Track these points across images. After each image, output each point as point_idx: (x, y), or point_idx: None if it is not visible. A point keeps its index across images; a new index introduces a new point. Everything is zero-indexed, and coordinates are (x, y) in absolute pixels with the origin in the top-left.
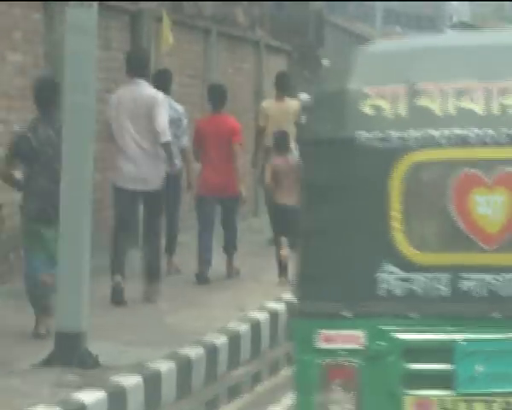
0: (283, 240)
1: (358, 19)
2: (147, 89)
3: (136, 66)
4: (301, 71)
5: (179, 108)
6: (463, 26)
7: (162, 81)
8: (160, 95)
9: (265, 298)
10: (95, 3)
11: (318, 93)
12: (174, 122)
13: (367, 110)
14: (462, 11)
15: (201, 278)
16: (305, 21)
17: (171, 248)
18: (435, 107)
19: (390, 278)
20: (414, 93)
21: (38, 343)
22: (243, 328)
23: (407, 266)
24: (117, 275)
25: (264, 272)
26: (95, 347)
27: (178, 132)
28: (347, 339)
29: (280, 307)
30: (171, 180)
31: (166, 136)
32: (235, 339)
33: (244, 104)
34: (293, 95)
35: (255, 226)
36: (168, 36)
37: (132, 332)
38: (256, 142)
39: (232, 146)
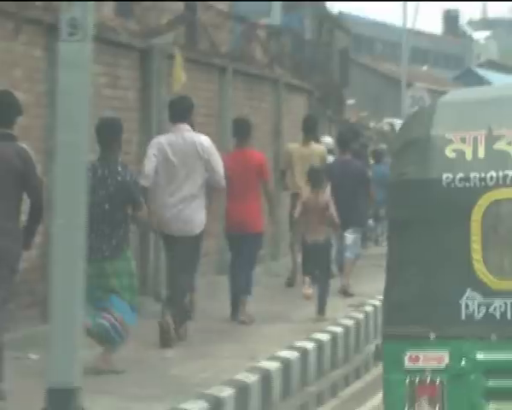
0: (307, 280)
1: (385, 58)
2: (193, 134)
3: (180, 112)
4: (324, 110)
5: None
6: (491, 64)
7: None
8: (207, 140)
9: (278, 346)
10: (88, 37)
11: (404, 138)
12: None
13: (450, 154)
14: (490, 49)
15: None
16: (327, 59)
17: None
18: (511, 150)
19: (471, 303)
20: (491, 138)
21: None
22: (252, 379)
23: (487, 292)
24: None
25: (278, 319)
26: (95, 402)
27: None
28: (433, 359)
29: (293, 355)
30: None
31: (223, 181)
32: (243, 391)
33: (262, 144)
34: (317, 135)
35: (274, 269)
36: (180, 74)
37: (137, 385)
38: (277, 184)
39: (264, 185)
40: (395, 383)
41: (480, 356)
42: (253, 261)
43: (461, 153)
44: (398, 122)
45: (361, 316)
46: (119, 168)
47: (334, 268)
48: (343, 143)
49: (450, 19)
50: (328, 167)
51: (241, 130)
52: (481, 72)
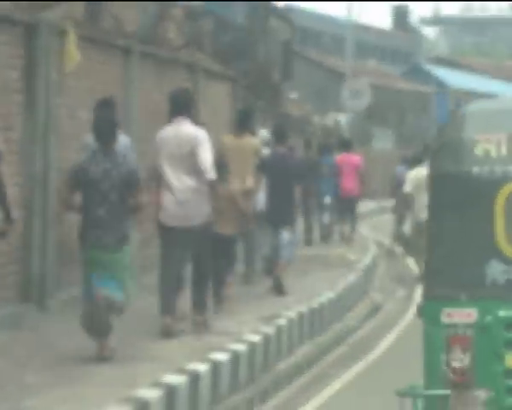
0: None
1: (332, 52)
2: (189, 127)
3: (180, 105)
4: (253, 100)
5: (127, 139)
6: (440, 60)
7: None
8: (201, 132)
9: (164, 370)
10: None
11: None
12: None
13: (478, 152)
14: (440, 45)
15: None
16: (262, 48)
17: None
18: None
19: (495, 270)
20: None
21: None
22: None
23: (507, 261)
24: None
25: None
26: None
27: None
28: (464, 315)
29: (180, 380)
30: None
31: (211, 173)
32: None
33: None
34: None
35: None
36: (74, 53)
37: None
38: None
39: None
40: (434, 335)
41: (501, 313)
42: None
43: (487, 151)
44: (342, 118)
45: (271, 331)
46: (121, 159)
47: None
48: (279, 135)
49: (400, 14)
50: (264, 161)
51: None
52: (429, 67)
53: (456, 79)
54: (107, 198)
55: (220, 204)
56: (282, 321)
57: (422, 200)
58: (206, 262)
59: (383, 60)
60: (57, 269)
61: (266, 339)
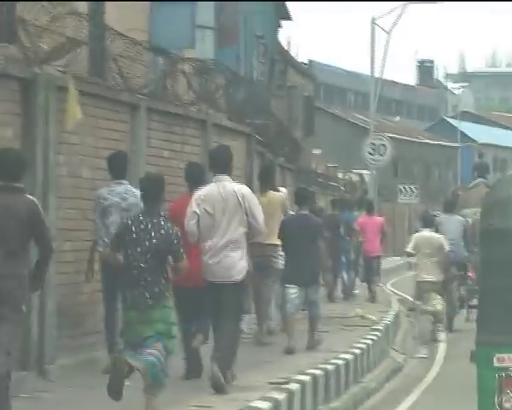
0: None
1: (357, 109)
2: (233, 184)
3: (220, 162)
4: (271, 157)
5: (138, 192)
6: (467, 115)
7: (116, 164)
8: (248, 188)
9: None
10: None
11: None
12: (133, 208)
13: None
14: (466, 101)
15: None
16: (268, 100)
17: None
18: None
19: None
20: None
21: None
22: None
23: None
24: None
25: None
26: None
27: None
28: None
29: None
30: None
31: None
32: None
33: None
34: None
35: None
36: (75, 109)
37: None
38: None
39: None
40: (486, 379)
41: None
42: None
43: None
44: (366, 173)
45: (282, 397)
46: (162, 222)
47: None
48: (301, 197)
49: (425, 69)
50: (285, 222)
51: (193, 174)
52: (454, 122)
53: (481, 133)
54: (145, 257)
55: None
56: (294, 386)
57: (424, 261)
58: (237, 318)
59: (409, 115)
60: (57, 334)
61: (276, 406)
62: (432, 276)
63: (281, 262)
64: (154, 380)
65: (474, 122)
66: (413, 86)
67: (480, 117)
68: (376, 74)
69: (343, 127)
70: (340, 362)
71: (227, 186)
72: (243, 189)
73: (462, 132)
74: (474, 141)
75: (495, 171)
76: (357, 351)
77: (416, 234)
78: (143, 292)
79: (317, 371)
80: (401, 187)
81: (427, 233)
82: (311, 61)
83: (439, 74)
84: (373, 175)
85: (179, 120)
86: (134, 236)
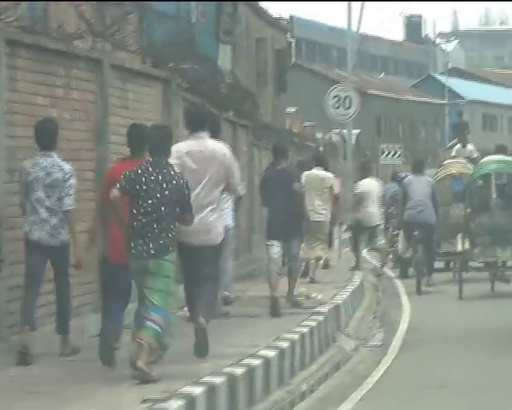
0: None
1: (340, 66)
2: (213, 142)
3: (197, 120)
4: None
5: (67, 167)
6: (458, 72)
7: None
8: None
9: None
10: None
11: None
12: (59, 184)
13: None
14: (457, 59)
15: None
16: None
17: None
18: None
19: None
20: None
21: None
22: None
23: None
24: None
25: None
26: None
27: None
28: None
29: None
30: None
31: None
32: None
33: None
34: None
35: None
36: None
37: None
38: None
39: None
40: None
41: None
42: None
43: None
44: (353, 132)
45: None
46: (172, 172)
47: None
48: (279, 151)
49: (412, 25)
50: (265, 178)
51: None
52: (442, 78)
53: (470, 89)
54: (157, 210)
55: None
56: (176, 404)
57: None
58: (215, 281)
59: (396, 73)
60: None
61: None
62: (320, 216)
63: (232, 232)
64: (158, 345)
65: (463, 79)
66: (400, 42)
67: (470, 73)
68: (354, 28)
69: (323, 84)
70: (254, 362)
71: (208, 144)
72: (224, 148)
73: (449, 89)
74: (462, 98)
75: (485, 128)
76: (285, 344)
77: (306, 172)
78: (148, 243)
79: (218, 380)
80: (383, 147)
81: (316, 171)
82: (292, 17)
83: (428, 31)
84: (343, 133)
85: (61, 59)
86: (144, 187)
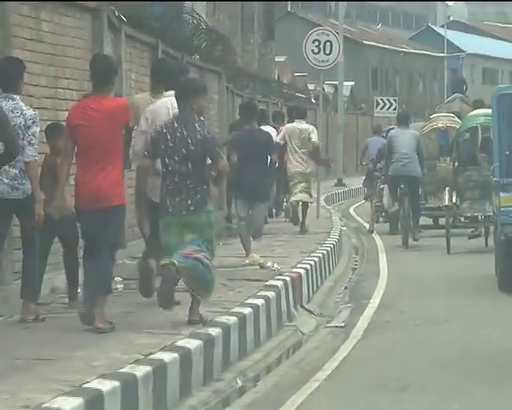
0: None
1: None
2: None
3: (166, 77)
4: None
5: (30, 113)
6: (458, 25)
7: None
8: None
9: None
10: None
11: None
12: (19, 130)
13: None
14: (459, 12)
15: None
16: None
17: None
18: None
19: None
20: None
21: None
22: None
23: None
24: None
25: None
26: None
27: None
28: None
29: None
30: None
31: None
32: None
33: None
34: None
35: None
36: None
37: None
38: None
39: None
40: None
41: None
42: None
43: None
44: (347, 84)
45: None
46: (198, 126)
47: None
48: (247, 111)
49: None
50: (233, 137)
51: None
52: (441, 31)
53: (471, 42)
54: (185, 165)
55: None
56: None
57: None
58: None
59: (394, 25)
60: None
61: None
62: (301, 166)
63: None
64: (199, 282)
65: (464, 31)
66: None
67: (470, 26)
68: None
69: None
70: (168, 356)
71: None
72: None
73: (449, 42)
74: (461, 51)
75: (484, 82)
76: (214, 332)
77: (287, 125)
78: (185, 199)
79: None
80: (378, 99)
81: (296, 124)
82: None
83: None
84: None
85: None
86: (170, 144)
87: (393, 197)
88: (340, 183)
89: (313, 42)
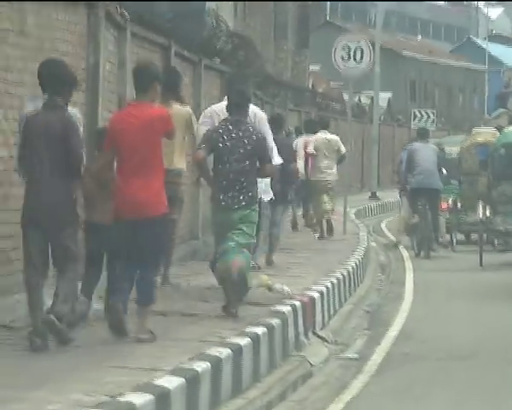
0: None
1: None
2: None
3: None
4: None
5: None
6: (501, 38)
7: None
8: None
9: None
10: None
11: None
12: None
13: None
14: (502, 25)
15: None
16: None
17: None
18: None
19: None
20: None
21: None
22: None
23: None
24: None
25: None
26: None
27: None
28: None
29: None
30: None
31: None
32: None
33: None
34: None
35: None
36: None
37: None
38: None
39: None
40: None
41: None
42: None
43: None
44: (384, 95)
45: None
46: (251, 128)
47: None
48: (277, 122)
49: None
50: None
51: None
52: (482, 43)
53: None
54: (242, 164)
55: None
56: None
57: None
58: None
59: (436, 37)
60: None
61: None
62: (328, 176)
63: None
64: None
65: (506, 44)
66: (440, 6)
67: None
68: None
69: None
70: (142, 399)
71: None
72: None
73: (490, 55)
74: (503, 64)
75: None
76: (201, 367)
77: (315, 136)
78: (238, 196)
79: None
80: (415, 111)
81: (324, 134)
82: None
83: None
84: (390, 98)
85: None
86: (228, 144)
87: (414, 209)
88: (373, 196)
89: (343, 48)
